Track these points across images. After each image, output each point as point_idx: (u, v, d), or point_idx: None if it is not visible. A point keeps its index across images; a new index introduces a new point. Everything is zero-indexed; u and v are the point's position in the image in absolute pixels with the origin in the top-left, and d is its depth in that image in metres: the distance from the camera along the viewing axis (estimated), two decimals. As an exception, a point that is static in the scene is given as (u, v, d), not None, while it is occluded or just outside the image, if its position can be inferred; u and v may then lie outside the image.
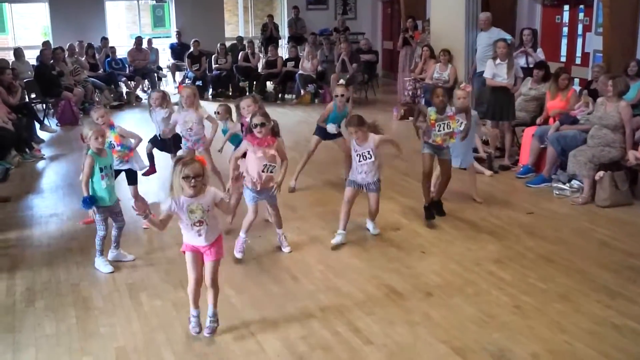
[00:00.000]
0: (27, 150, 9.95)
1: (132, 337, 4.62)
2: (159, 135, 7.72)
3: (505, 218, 6.93)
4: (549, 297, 5.11)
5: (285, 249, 6.13)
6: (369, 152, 6.08)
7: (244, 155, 5.89)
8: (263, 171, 5.72)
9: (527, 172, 8.37)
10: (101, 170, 5.60)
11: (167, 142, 7.75)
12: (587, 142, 7.52)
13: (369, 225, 6.59)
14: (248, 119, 6.17)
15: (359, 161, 6.13)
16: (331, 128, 7.71)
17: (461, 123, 6.67)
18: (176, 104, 7.80)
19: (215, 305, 4.61)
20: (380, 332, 4.62)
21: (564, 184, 7.70)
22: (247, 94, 15.30)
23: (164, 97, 7.75)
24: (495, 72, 8.76)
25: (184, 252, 4.51)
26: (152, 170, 7.97)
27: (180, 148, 7.59)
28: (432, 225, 6.69)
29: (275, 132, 5.88)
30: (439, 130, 6.55)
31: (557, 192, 7.66)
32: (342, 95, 7.69)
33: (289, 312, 4.93)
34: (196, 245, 4.44)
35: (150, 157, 7.95)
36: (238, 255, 5.93)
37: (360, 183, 6.21)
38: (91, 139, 5.58)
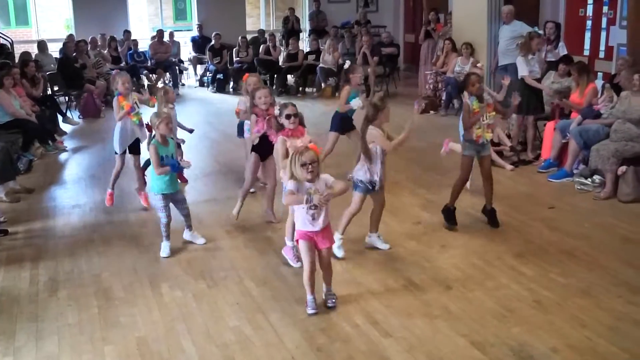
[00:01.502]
0: (50, 142, 10.04)
1: (153, 327, 4.67)
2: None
3: (526, 212, 6.88)
4: (569, 292, 5.07)
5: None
6: (383, 150, 5.67)
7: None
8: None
9: (549, 166, 8.28)
10: (162, 159, 5.78)
11: None
12: (610, 137, 7.44)
13: (377, 239, 6.01)
14: (263, 107, 6.17)
15: (381, 160, 5.66)
16: (356, 102, 7.62)
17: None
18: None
19: (330, 284, 4.93)
20: (399, 324, 4.62)
21: (586, 178, 7.61)
22: (267, 86, 15.40)
23: None
24: (531, 69, 8.57)
25: (297, 242, 4.81)
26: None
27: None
28: (451, 229, 6.42)
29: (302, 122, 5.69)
30: (484, 120, 6.21)
31: (579, 187, 7.58)
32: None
33: (309, 304, 4.95)
34: (310, 231, 4.69)
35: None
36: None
37: (373, 185, 5.69)
38: (161, 125, 5.78)
